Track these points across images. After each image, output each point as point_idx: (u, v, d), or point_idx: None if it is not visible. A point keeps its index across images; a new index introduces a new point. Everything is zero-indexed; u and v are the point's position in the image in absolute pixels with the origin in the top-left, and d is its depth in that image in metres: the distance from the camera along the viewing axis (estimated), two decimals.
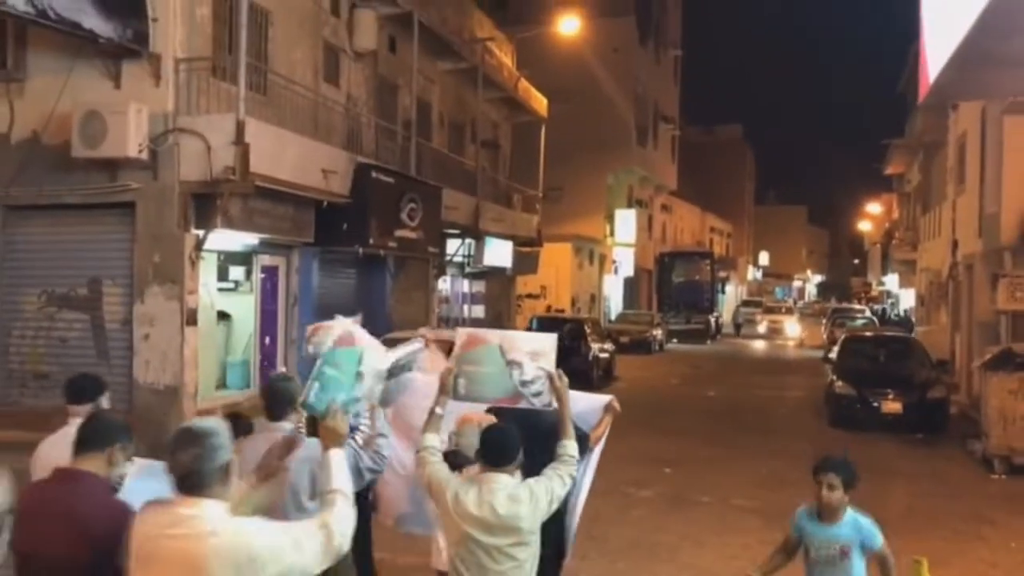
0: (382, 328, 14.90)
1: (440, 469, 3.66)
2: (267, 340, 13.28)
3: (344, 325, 4.01)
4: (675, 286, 39.12)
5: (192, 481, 2.54)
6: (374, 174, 13.40)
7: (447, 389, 3.91)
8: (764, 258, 75.05)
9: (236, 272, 13.14)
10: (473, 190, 19.15)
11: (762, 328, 41.23)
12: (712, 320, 37.74)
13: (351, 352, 3.79)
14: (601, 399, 4.88)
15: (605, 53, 32.59)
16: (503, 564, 3.49)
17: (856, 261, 78.38)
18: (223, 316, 12.84)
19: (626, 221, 35.88)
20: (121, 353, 10.91)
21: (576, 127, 30.31)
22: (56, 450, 3.54)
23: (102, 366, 10.94)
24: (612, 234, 35.50)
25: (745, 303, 52.30)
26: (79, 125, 10.11)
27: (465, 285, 21.75)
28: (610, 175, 34.93)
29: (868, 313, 35.52)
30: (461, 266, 20.32)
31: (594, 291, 34.50)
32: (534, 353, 3.96)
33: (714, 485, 9.92)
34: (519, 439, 3.61)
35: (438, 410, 3.86)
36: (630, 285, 38.86)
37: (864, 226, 59.13)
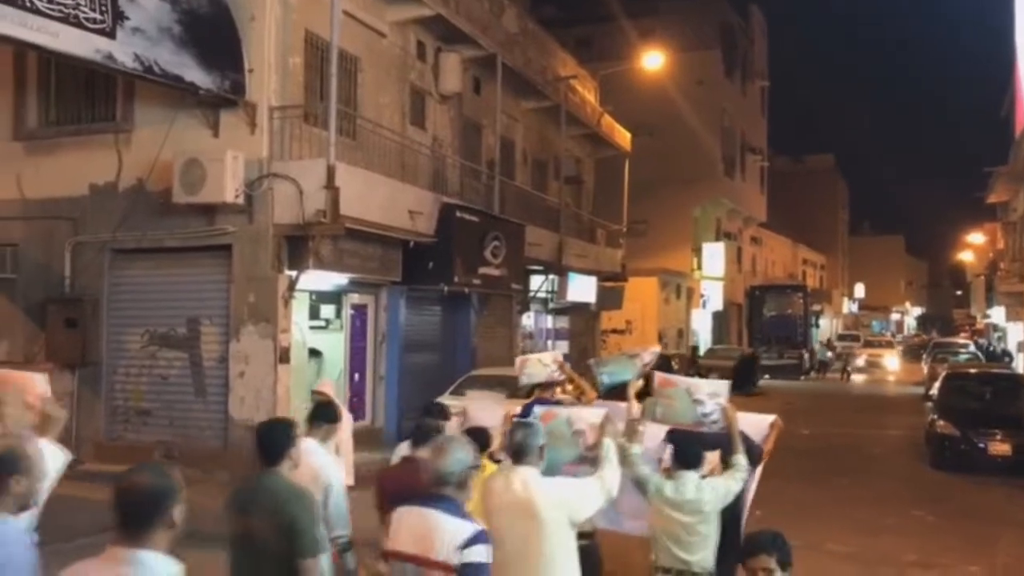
0: (465, 365, 15.05)
1: (644, 468, 4.93)
2: (356, 376, 13.57)
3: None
4: (767, 320, 38.12)
5: (521, 452, 3.99)
6: (459, 213, 13.61)
7: (647, 413, 5.40)
8: (860, 290, 72.69)
9: (327, 311, 13.50)
10: (556, 226, 19.23)
11: (860, 362, 39.62)
12: (806, 355, 36.60)
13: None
14: (767, 418, 5.75)
15: (690, 86, 32.38)
16: (693, 537, 4.73)
17: (958, 292, 75.02)
18: (314, 353, 13.17)
19: (714, 254, 35.36)
20: (217, 390, 11.29)
21: (661, 160, 30.11)
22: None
23: (199, 403, 11.38)
24: (700, 267, 34.98)
25: (841, 337, 50.49)
26: (180, 172, 10.62)
27: (549, 321, 21.73)
28: (696, 208, 34.53)
29: (972, 348, 33.88)
30: (545, 302, 20.34)
31: (682, 326, 33.98)
32: (712, 394, 5.41)
33: (808, 529, 9.49)
34: (702, 449, 4.96)
35: (640, 428, 5.15)
36: (719, 319, 38.13)
37: (966, 256, 56.63)
